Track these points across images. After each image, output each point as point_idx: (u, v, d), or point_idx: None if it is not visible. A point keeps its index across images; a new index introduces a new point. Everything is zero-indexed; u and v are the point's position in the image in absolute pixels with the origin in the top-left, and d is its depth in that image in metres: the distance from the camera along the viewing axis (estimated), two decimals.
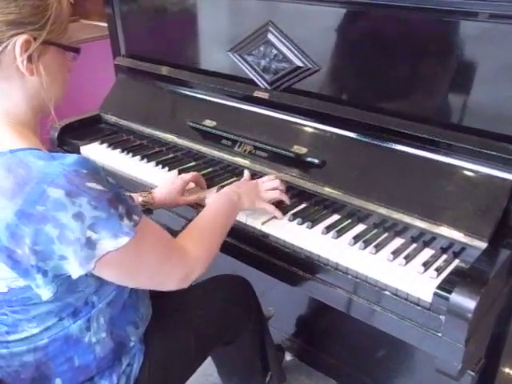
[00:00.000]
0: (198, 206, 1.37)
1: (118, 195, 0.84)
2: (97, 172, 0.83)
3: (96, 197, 0.79)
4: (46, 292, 0.82)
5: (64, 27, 0.89)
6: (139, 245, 0.87)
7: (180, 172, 1.49)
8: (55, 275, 0.82)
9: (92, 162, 0.84)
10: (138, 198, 1.30)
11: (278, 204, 1.30)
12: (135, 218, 0.85)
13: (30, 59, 0.84)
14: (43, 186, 0.77)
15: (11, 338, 0.90)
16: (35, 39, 0.83)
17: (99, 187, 0.80)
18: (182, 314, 1.15)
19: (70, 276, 0.82)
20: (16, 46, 0.82)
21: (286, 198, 1.30)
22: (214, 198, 1.20)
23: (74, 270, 0.80)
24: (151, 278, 0.96)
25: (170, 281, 0.98)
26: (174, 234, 1.03)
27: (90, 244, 0.79)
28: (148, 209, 1.31)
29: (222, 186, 1.42)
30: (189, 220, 1.38)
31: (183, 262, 0.98)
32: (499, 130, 1.13)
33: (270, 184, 1.30)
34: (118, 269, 0.89)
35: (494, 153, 1.11)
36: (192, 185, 1.41)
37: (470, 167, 1.15)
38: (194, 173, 1.41)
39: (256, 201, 1.25)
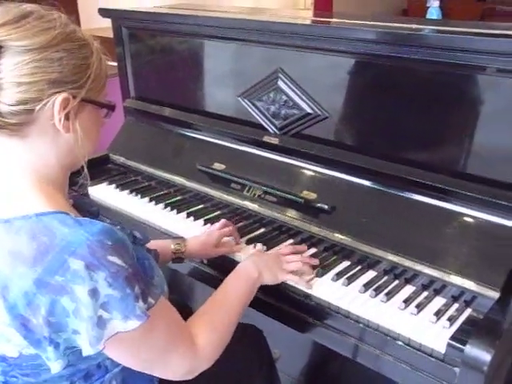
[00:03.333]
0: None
1: (137, 273, 0.82)
2: (122, 244, 0.81)
3: (114, 273, 0.77)
4: (56, 365, 0.80)
5: (102, 85, 0.89)
6: (149, 329, 0.84)
7: (190, 214, 1.51)
8: (67, 347, 0.80)
9: (118, 233, 0.82)
10: (170, 245, 1.29)
11: None
12: (150, 300, 0.82)
13: (67, 116, 0.83)
14: (65, 255, 0.76)
15: None
16: (74, 97, 0.83)
17: (119, 262, 0.78)
18: None
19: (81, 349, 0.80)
20: (55, 104, 0.81)
21: (310, 271, 1.23)
22: (233, 275, 1.12)
23: (85, 347, 0.78)
24: (155, 365, 0.90)
25: (173, 373, 0.93)
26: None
27: (101, 323, 0.77)
28: (179, 257, 1.29)
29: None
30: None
31: (190, 358, 0.92)
32: (509, 179, 1.14)
33: (293, 257, 1.24)
34: (123, 351, 0.85)
35: (504, 202, 1.12)
36: (226, 238, 1.38)
37: (481, 216, 1.16)
38: (231, 226, 1.38)
39: (278, 274, 1.18)
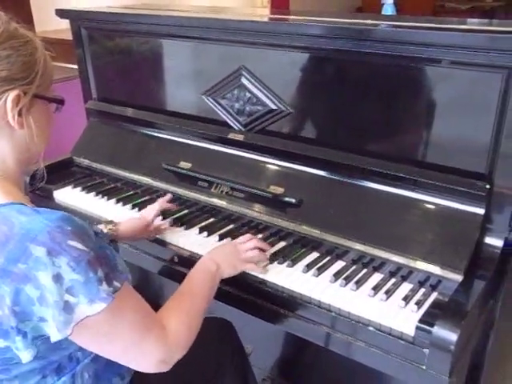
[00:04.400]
0: (167, 244, 1.41)
1: (99, 257, 0.82)
2: (81, 230, 0.82)
3: (75, 257, 0.78)
4: (26, 355, 0.80)
5: (49, 80, 0.92)
6: (116, 313, 0.84)
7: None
8: (35, 337, 0.80)
9: (77, 220, 0.84)
10: (103, 229, 1.30)
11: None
12: (115, 284, 0.83)
13: (19, 113, 0.86)
14: (26, 243, 0.77)
15: None
16: (25, 93, 0.86)
17: (80, 246, 0.79)
18: None
19: (49, 337, 0.80)
20: (8, 101, 0.84)
21: (264, 257, 1.28)
22: (193, 271, 1.15)
23: (53, 333, 0.79)
24: (126, 353, 0.89)
25: (148, 361, 0.92)
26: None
27: (68, 308, 0.78)
28: (112, 240, 1.30)
29: (201, 228, 1.43)
30: (144, 252, 1.43)
31: (163, 343, 0.92)
32: (467, 167, 1.19)
33: (249, 244, 1.27)
34: (93, 337, 0.85)
35: (463, 189, 1.18)
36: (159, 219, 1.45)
37: (443, 203, 1.21)
38: (158, 207, 1.43)
39: (237, 265, 1.22)
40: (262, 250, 1.28)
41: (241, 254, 1.24)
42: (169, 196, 1.51)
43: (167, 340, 0.93)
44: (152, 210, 1.42)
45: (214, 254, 1.22)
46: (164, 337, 0.92)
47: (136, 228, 1.36)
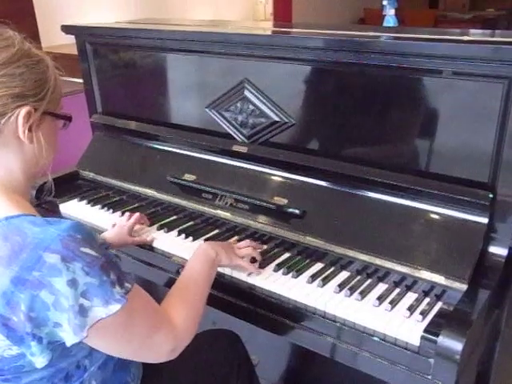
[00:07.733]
0: (172, 256, 1.41)
1: (109, 262, 0.85)
2: (91, 237, 0.85)
3: (89, 262, 0.81)
4: (40, 360, 0.82)
5: (59, 98, 0.95)
6: (130, 313, 0.87)
7: (162, 226, 1.52)
8: (49, 342, 0.82)
9: (86, 228, 0.86)
10: None
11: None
12: (127, 285, 0.87)
13: (30, 128, 0.88)
14: (39, 251, 0.79)
15: None
16: (36, 110, 0.88)
17: (92, 253, 0.82)
18: (172, 372, 1.15)
19: (64, 342, 0.82)
20: (19, 116, 0.86)
21: (258, 256, 1.31)
22: (193, 258, 1.19)
23: (68, 337, 0.81)
24: (140, 349, 0.94)
25: (160, 353, 0.97)
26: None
27: (83, 311, 0.80)
28: None
29: (206, 239, 1.44)
30: (150, 264, 1.44)
31: (172, 335, 0.96)
32: (470, 176, 1.20)
33: (243, 243, 1.33)
34: (108, 338, 0.88)
35: (466, 198, 1.18)
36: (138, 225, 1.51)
37: (446, 212, 1.21)
38: (138, 214, 1.50)
39: (233, 257, 1.26)
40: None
41: (236, 250, 1.29)
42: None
43: (175, 330, 0.97)
44: (128, 222, 1.47)
45: (212, 243, 1.26)
46: (172, 328, 0.97)
47: (120, 236, 1.43)
